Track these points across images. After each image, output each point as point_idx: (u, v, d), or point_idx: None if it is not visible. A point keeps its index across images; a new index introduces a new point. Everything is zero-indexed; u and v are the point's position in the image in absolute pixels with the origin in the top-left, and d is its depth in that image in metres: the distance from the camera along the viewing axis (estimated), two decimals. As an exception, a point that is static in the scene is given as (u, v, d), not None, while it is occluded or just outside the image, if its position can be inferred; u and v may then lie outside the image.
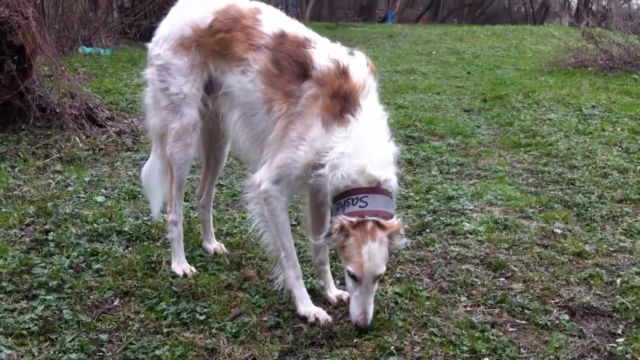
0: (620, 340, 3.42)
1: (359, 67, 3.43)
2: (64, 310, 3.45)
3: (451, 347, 3.27)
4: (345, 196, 3.25)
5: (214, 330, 3.35)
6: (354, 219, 3.18)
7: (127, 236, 4.48)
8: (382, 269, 3.26)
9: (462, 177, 6.18)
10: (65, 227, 4.53)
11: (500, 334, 3.41)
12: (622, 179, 6.06)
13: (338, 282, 3.91)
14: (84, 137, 6.75)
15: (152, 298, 3.64)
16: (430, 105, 9.63)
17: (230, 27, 3.68)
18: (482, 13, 40.40)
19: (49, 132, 6.70)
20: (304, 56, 3.45)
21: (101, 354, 3.12)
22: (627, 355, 3.26)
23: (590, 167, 6.41)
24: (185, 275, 3.90)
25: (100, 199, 5.18)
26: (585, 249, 4.49)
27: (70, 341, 3.17)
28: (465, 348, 3.25)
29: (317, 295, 3.76)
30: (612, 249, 4.53)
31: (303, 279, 3.66)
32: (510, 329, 3.49)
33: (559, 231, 4.81)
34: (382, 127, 3.41)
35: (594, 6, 25.96)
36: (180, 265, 3.97)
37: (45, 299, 3.55)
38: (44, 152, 6.30)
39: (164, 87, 3.84)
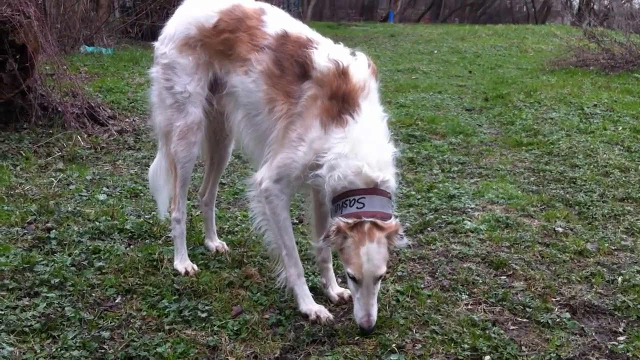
0: (622, 338, 3.42)
1: (360, 68, 3.43)
2: (66, 308, 3.46)
3: (452, 345, 3.27)
4: (342, 197, 3.26)
5: (215, 328, 3.35)
6: (350, 220, 3.18)
7: (129, 234, 4.49)
8: (382, 270, 3.25)
9: (464, 176, 6.19)
10: (67, 225, 4.54)
11: (502, 332, 3.41)
12: (623, 178, 6.06)
13: (340, 280, 3.92)
14: (85, 135, 6.76)
15: (154, 296, 3.65)
16: (432, 104, 9.63)
17: (234, 27, 3.69)
18: (483, 12, 40.41)
19: (51, 131, 6.71)
20: (305, 57, 3.45)
21: (103, 351, 3.12)
22: (628, 354, 3.26)
23: (592, 166, 6.41)
24: (187, 273, 3.91)
25: (102, 197, 5.19)
26: (587, 248, 4.49)
27: (72, 338, 3.18)
28: (466, 346, 3.25)
29: (319, 293, 3.76)
30: (613, 248, 4.53)
31: (305, 276, 3.66)
32: (512, 327, 3.50)
33: (560, 230, 4.81)
34: (381, 128, 3.40)
35: (595, 5, 25.95)
36: (183, 263, 3.98)
37: (48, 297, 3.56)
38: (45, 150, 6.31)
39: (169, 86, 3.85)
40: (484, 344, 3.26)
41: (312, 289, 3.69)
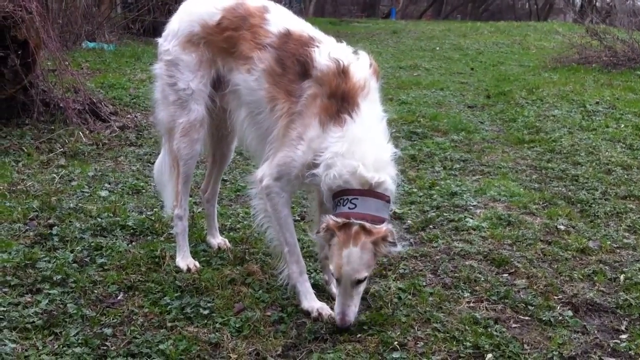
0: (624, 336, 3.42)
1: (361, 67, 3.42)
2: (68, 305, 3.46)
3: (454, 342, 3.27)
4: (338, 196, 3.27)
5: (217, 325, 3.35)
6: (339, 220, 3.19)
7: (131, 231, 4.49)
8: (362, 275, 3.23)
9: (466, 173, 6.18)
10: (69, 221, 4.54)
11: (504, 329, 3.41)
12: (625, 176, 6.05)
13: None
14: (87, 131, 6.76)
15: (156, 292, 3.65)
16: (434, 101, 9.62)
17: (237, 25, 3.69)
18: (485, 9, 40.37)
19: (53, 127, 6.71)
20: (305, 55, 3.45)
21: (105, 348, 3.12)
22: (630, 352, 3.26)
23: (594, 164, 6.40)
24: (189, 270, 3.91)
25: (104, 193, 5.19)
26: (589, 246, 4.49)
27: (74, 335, 3.18)
28: (468, 344, 3.25)
29: (321, 290, 3.76)
30: (615, 246, 4.53)
31: (307, 274, 3.65)
32: (514, 325, 3.49)
33: (562, 227, 4.81)
34: (380, 128, 3.39)
35: (598, 3, 25.91)
36: (185, 260, 3.98)
37: (50, 293, 3.56)
38: (47, 146, 6.31)
39: (172, 83, 3.85)
40: (486, 342, 3.26)
41: (315, 286, 3.69)
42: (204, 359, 3.09)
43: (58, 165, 5.88)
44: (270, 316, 3.47)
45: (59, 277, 3.72)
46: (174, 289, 3.68)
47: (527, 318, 3.57)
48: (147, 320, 3.38)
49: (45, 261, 3.91)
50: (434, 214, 5.03)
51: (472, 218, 4.94)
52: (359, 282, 3.25)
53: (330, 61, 3.38)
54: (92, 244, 4.20)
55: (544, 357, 3.19)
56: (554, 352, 3.21)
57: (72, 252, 4.07)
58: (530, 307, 3.65)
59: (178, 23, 3.87)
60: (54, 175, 5.57)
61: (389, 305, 3.61)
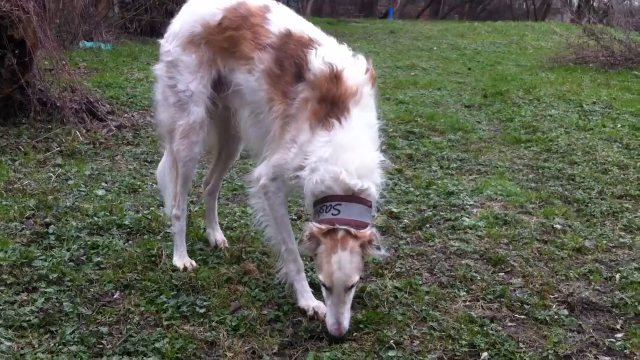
0: (619, 335, 3.43)
1: (355, 72, 3.38)
2: (64, 303, 3.46)
3: (450, 341, 3.28)
4: (320, 202, 3.24)
5: (213, 324, 3.35)
6: (323, 226, 3.17)
7: (128, 229, 4.49)
8: (354, 279, 3.21)
9: (463, 173, 6.19)
10: (66, 220, 4.54)
11: (499, 328, 3.42)
12: (622, 175, 6.06)
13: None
14: (84, 131, 6.75)
15: (152, 291, 3.65)
16: (431, 101, 9.63)
17: (238, 25, 3.68)
18: (483, 9, 40.40)
19: (50, 126, 6.70)
20: (301, 57, 3.43)
21: (101, 346, 3.12)
22: (625, 350, 3.27)
23: (591, 163, 6.41)
24: (185, 268, 3.91)
25: (100, 192, 5.18)
26: (585, 245, 4.50)
27: (70, 333, 3.18)
28: (464, 342, 3.26)
29: (318, 289, 3.75)
30: (611, 245, 4.54)
31: (305, 272, 3.65)
32: (509, 324, 3.50)
33: (558, 227, 4.82)
34: (369, 135, 3.36)
35: (595, 3, 25.92)
36: (181, 259, 3.98)
37: (46, 292, 3.55)
38: (44, 145, 6.30)
39: (172, 84, 3.85)
40: (482, 340, 3.27)
41: (311, 285, 3.68)
42: (200, 358, 3.09)
43: (55, 164, 5.88)
44: (267, 315, 3.47)
45: (55, 275, 3.72)
46: (170, 287, 3.68)
47: (522, 317, 3.57)
48: (143, 319, 3.38)
49: (41, 260, 3.90)
50: (430, 213, 5.04)
51: (468, 217, 4.94)
52: (351, 287, 3.23)
53: (324, 65, 3.35)
54: (88, 242, 4.20)
55: (540, 356, 3.19)
56: (550, 351, 3.22)
57: (68, 250, 4.07)
58: (526, 306, 3.66)
59: (180, 24, 3.87)
60: (51, 174, 5.57)
61: (385, 303, 3.62)
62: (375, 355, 3.14)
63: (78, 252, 4.07)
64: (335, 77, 3.32)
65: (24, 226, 4.42)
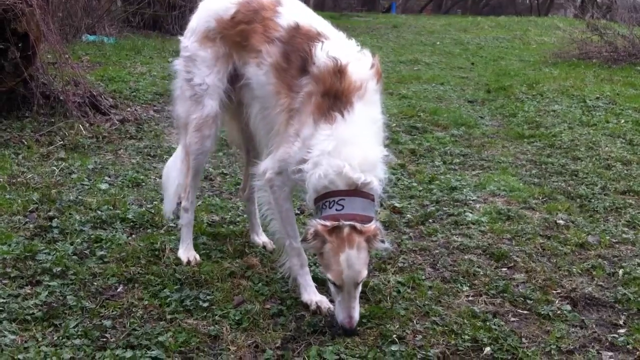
0: (622, 331, 3.43)
1: (360, 67, 3.36)
2: (67, 297, 3.47)
3: (453, 336, 3.28)
4: (323, 199, 3.22)
5: (217, 318, 3.36)
6: (328, 223, 3.14)
7: (131, 223, 4.49)
8: (363, 275, 3.20)
9: (466, 168, 6.18)
10: (69, 214, 4.55)
11: (502, 323, 3.42)
12: (625, 171, 6.05)
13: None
14: (87, 124, 6.76)
15: (156, 285, 3.66)
16: (434, 96, 9.61)
17: (250, 18, 3.71)
18: (486, 4, 40.28)
19: (53, 120, 6.70)
20: (306, 51, 3.42)
21: (105, 339, 3.13)
22: (628, 346, 3.28)
23: (594, 159, 6.40)
24: (189, 262, 3.92)
25: (104, 186, 5.19)
26: (588, 240, 4.50)
27: (74, 327, 3.19)
28: (467, 337, 3.26)
29: (322, 284, 3.76)
30: (614, 241, 4.54)
31: (308, 267, 3.66)
32: (512, 319, 3.51)
33: (561, 222, 4.82)
34: (373, 130, 3.34)
35: (598, -2, 25.84)
36: (186, 252, 3.99)
37: (49, 285, 3.57)
38: (47, 139, 6.31)
39: (189, 78, 3.89)
40: (485, 335, 3.27)
41: (315, 279, 3.69)
42: (203, 351, 3.10)
43: (58, 158, 5.88)
44: (270, 309, 3.48)
45: (59, 269, 3.73)
46: (173, 281, 3.69)
47: (525, 312, 3.58)
48: (147, 313, 3.39)
49: (45, 253, 3.91)
50: (433, 208, 5.04)
51: (471, 212, 4.94)
52: (360, 283, 3.24)
53: (328, 59, 3.34)
54: (91, 236, 4.21)
55: (542, 351, 3.20)
56: (552, 346, 3.22)
57: (71, 244, 4.08)
58: (528, 301, 3.66)
59: (196, 20, 3.94)
60: (54, 167, 5.57)
61: (388, 298, 3.62)
62: (378, 350, 3.15)
63: (81, 245, 4.08)
64: (339, 71, 3.31)
65: (27, 220, 4.43)
